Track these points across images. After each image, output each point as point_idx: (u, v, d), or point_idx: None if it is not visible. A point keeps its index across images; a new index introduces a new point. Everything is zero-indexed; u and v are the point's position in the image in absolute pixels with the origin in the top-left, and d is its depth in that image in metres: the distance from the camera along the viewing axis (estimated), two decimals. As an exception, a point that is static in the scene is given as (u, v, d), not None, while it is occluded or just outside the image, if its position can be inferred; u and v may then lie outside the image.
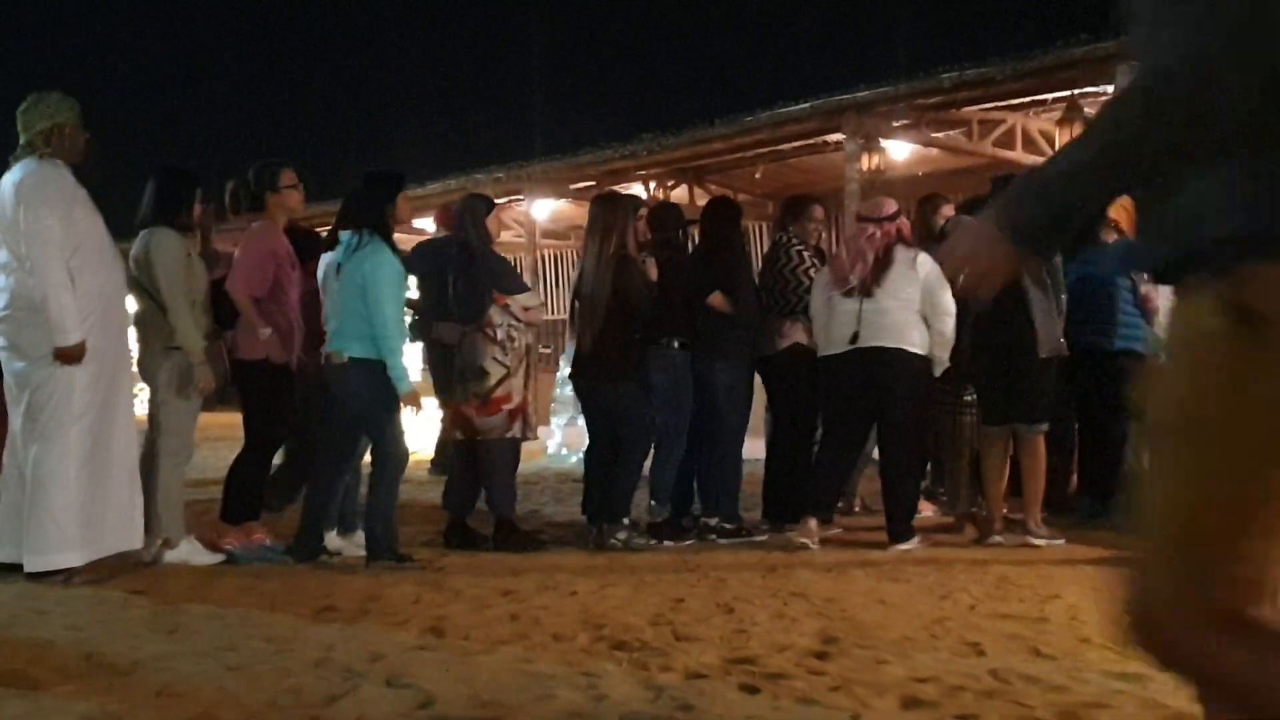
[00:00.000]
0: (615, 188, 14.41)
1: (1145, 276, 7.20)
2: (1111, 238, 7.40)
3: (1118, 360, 7.14)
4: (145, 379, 5.99)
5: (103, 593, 5.05)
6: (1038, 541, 6.45)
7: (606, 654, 3.94)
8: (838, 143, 11.01)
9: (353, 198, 6.12)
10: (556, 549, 6.47)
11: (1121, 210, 7.48)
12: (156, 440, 5.92)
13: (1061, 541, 6.51)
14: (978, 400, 6.72)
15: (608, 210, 6.58)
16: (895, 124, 10.59)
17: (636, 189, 14.28)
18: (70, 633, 4.27)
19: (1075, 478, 7.65)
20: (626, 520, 6.55)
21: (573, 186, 14.37)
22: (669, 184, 13.80)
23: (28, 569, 5.23)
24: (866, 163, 10.56)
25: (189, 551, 5.85)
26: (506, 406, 6.44)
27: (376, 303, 5.72)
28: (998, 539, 6.44)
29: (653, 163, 13.09)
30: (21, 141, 5.46)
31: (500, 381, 6.43)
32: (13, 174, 5.43)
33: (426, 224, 16.28)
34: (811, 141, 11.61)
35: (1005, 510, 6.77)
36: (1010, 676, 3.71)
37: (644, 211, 6.92)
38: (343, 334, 5.84)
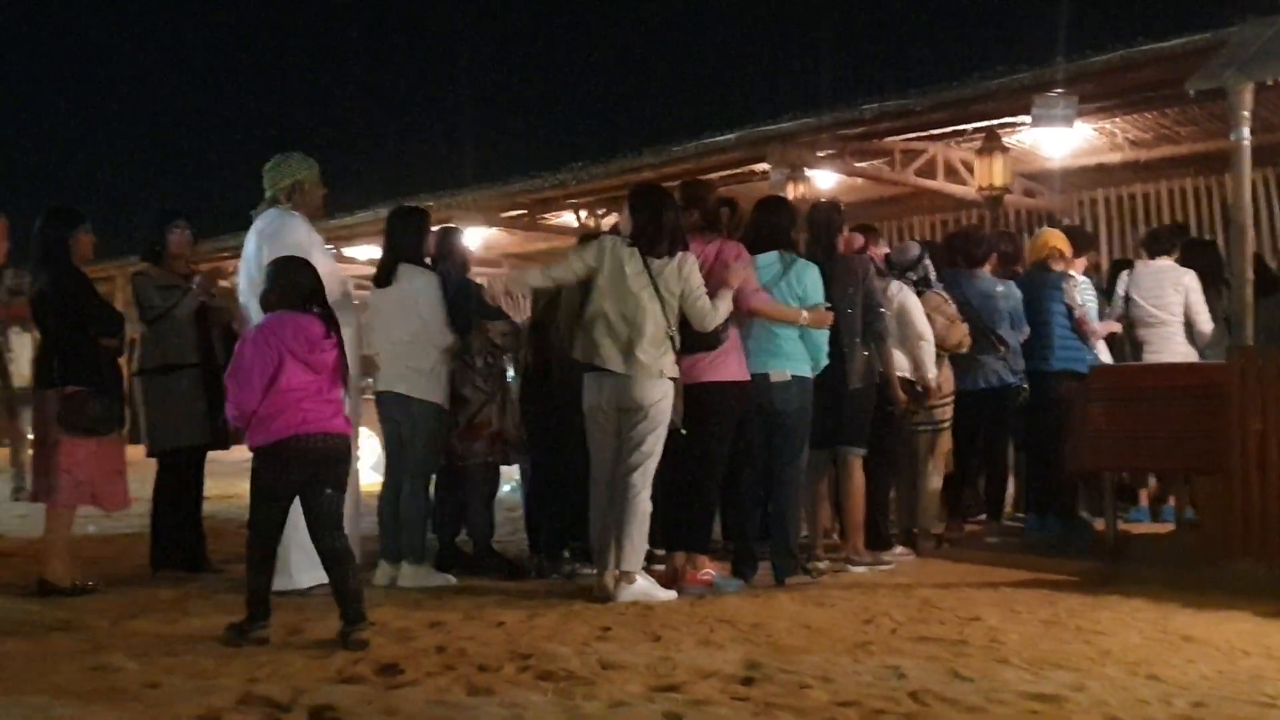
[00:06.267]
0: (546, 216, 14.52)
1: (1080, 301, 7.44)
2: (1059, 266, 7.61)
3: (1058, 380, 7.42)
4: None
5: (30, 629, 4.99)
6: (856, 569, 6.54)
7: (532, 684, 3.96)
8: (764, 172, 11.13)
9: (764, 226, 6.33)
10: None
11: (1063, 241, 7.72)
12: None
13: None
14: None
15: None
16: (819, 154, 10.72)
17: (567, 217, 14.33)
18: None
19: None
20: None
21: (503, 215, 14.38)
22: (599, 212, 13.85)
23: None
24: (792, 191, 10.68)
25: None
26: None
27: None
28: (820, 565, 6.44)
29: (582, 191, 13.13)
30: (266, 196, 6.08)
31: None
32: (257, 224, 6.01)
33: (356, 252, 16.27)
34: (738, 171, 11.71)
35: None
36: (929, 699, 3.77)
37: None
38: (780, 353, 6.05)
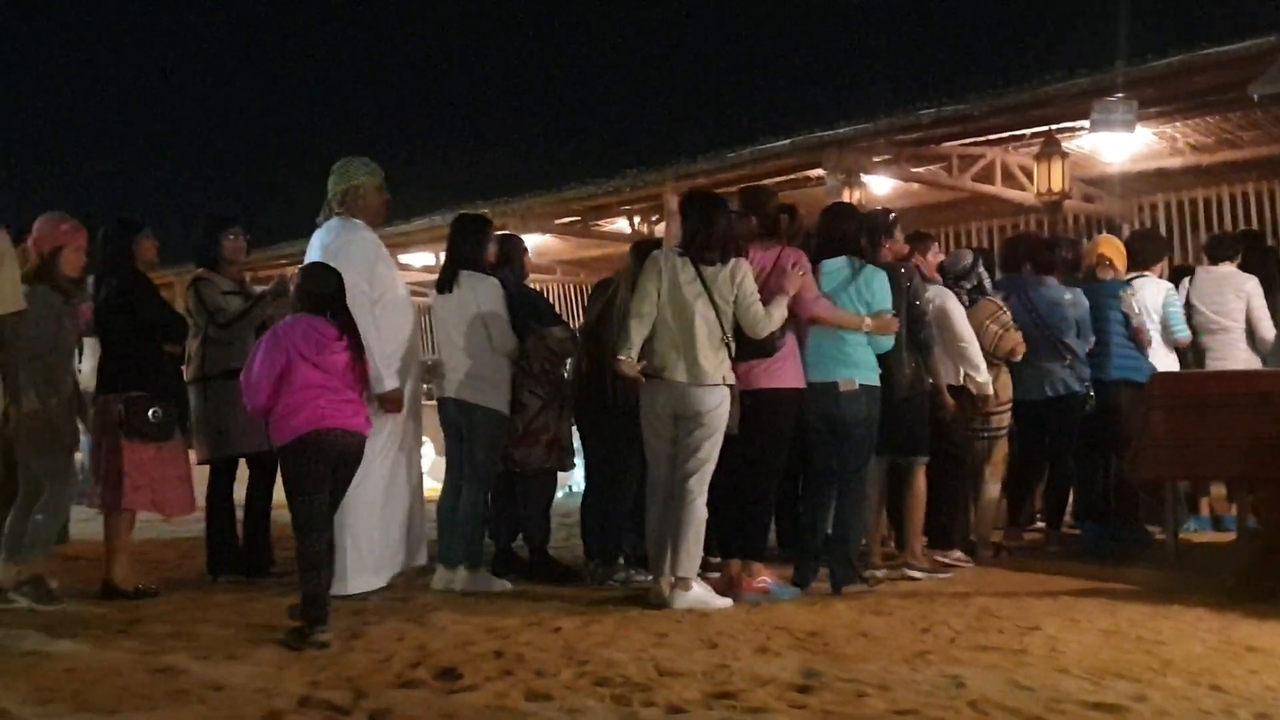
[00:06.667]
0: (600, 222, 14.55)
1: (1137, 309, 7.37)
2: (1108, 274, 7.56)
3: (1115, 389, 7.37)
4: None
5: (94, 632, 5.08)
6: (915, 574, 6.52)
7: (589, 690, 3.97)
8: (819, 178, 11.09)
9: (833, 231, 6.29)
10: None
11: (1115, 249, 7.66)
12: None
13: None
14: None
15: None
16: (876, 159, 10.67)
17: (620, 223, 14.35)
18: (67, 674, 4.29)
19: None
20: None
21: (557, 222, 14.43)
22: (653, 219, 13.86)
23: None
24: (848, 197, 10.62)
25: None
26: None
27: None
28: (877, 574, 6.38)
29: (636, 198, 13.15)
30: (326, 198, 6.18)
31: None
32: (320, 235, 6.07)
33: (412, 259, 16.40)
34: (793, 177, 11.67)
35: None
36: (988, 707, 3.74)
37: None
38: (848, 361, 6.00)
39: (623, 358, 5.70)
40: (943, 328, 6.72)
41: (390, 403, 5.92)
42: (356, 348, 5.12)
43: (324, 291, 5.14)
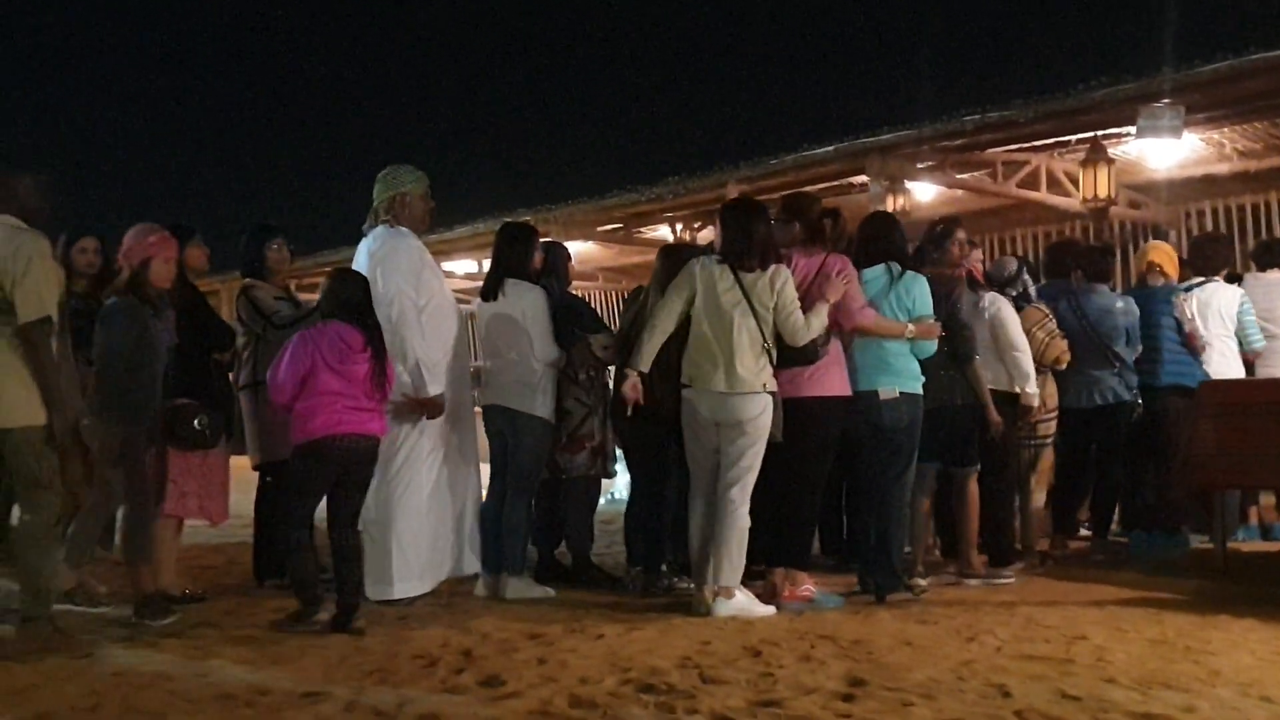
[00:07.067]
0: (642, 230, 14.56)
1: (1190, 315, 7.31)
2: (1158, 281, 7.50)
3: (1165, 396, 7.31)
4: None
5: (142, 637, 5.13)
6: (972, 583, 6.48)
7: (633, 697, 3.97)
8: (863, 184, 11.06)
9: (876, 239, 6.27)
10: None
11: (1165, 256, 7.60)
12: None
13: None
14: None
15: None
16: (919, 166, 10.64)
17: (662, 230, 14.36)
18: (115, 678, 4.34)
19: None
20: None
21: (600, 229, 14.47)
22: (695, 225, 13.86)
23: (373, 596, 5.71)
24: (891, 204, 10.59)
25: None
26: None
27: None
28: (921, 582, 6.28)
29: (678, 205, 13.16)
30: (372, 205, 6.25)
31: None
32: (367, 243, 6.15)
33: (454, 266, 16.49)
34: (836, 183, 11.65)
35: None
36: (1035, 717, 3.72)
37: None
38: (889, 370, 5.98)
39: (628, 371, 5.74)
40: (996, 335, 6.67)
41: (433, 408, 5.94)
42: (379, 357, 5.36)
43: (350, 298, 5.42)
